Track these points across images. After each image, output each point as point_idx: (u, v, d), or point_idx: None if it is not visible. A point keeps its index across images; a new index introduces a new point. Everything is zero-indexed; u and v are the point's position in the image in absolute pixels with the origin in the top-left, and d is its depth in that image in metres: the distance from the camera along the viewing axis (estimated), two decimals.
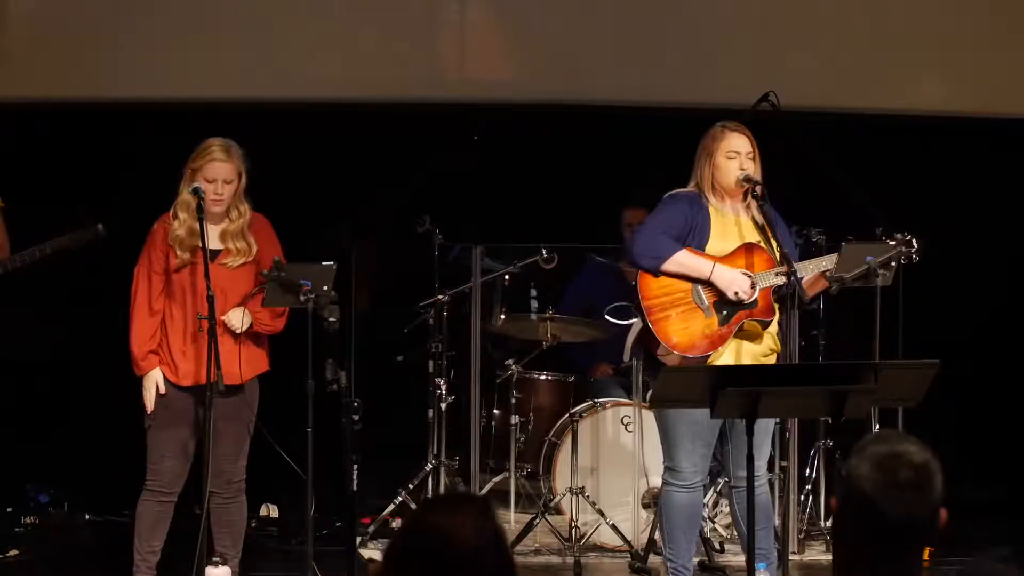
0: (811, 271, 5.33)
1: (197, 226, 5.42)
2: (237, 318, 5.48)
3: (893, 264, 5.33)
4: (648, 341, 5.40)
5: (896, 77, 7.82)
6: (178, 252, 5.45)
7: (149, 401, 5.48)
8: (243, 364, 5.48)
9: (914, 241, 5.37)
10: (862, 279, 5.29)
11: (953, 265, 7.57)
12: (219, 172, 5.44)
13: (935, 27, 7.84)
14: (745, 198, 5.39)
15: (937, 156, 7.84)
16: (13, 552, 6.72)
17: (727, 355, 5.32)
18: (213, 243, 5.49)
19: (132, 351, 5.50)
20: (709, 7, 7.82)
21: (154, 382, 5.47)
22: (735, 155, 5.35)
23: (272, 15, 7.64)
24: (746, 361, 5.30)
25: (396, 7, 7.78)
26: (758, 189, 5.30)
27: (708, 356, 5.29)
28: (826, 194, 7.00)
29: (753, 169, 5.36)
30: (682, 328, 5.31)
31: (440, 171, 7.50)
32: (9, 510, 7.27)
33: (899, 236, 5.40)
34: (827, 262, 5.36)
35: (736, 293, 5.26)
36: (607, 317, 7.03)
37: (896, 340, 6.71)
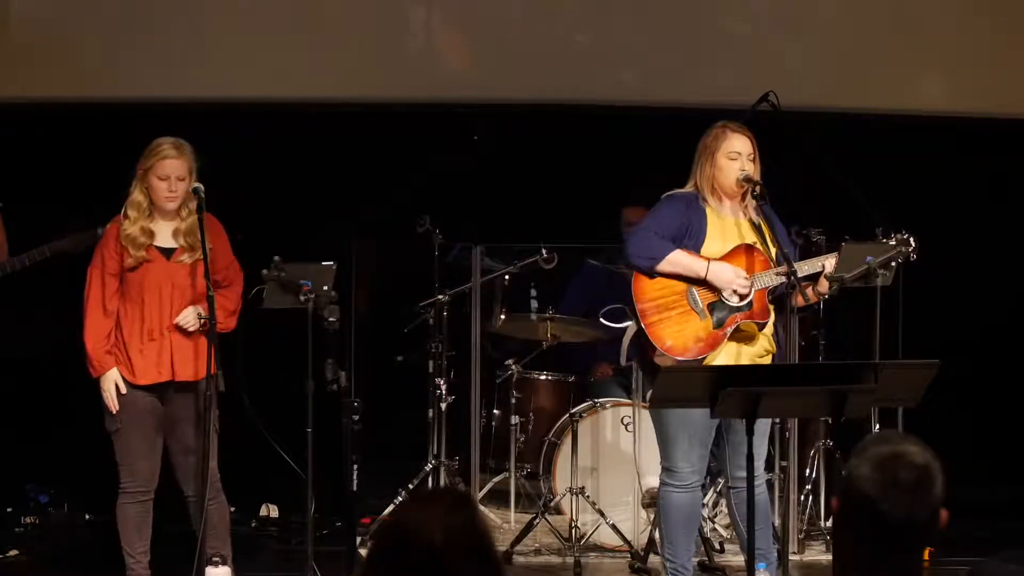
0: (807, 270, 5.32)
1: (150, 225, 5.48)
2: (191, 317, 5.49)
3: (893, 264, 5.33)
4: (644, 344, 5.40)
5: (896, 77, 7.82)
6: (132, 251, 5.47)
7: (111, 401, 5.48)
8: (199, 363, 5.49)
9: (911, 240, 5.37)
10: (862, 279, 5.29)
11: (953, 265, 7.57)
12: (171, 169, 5.47)
13: (935, 27, 7.84)
14: (743, 199, 5.39)
15: (937, 156, 7.84)
16: (13, 552, 6.72)
17: (723, 357, 5.32)
18: (166, 241, 5.53)
19: (88, 352, 5.52)
20: (709, 7, 7.82)
21: (112, 382, 5.48)
22: (736, 156, 5.34)
23: (272, 15, 7.64)
24: (742, 363, 5.30)
25: (396, 7, 7.78)
26: (759, 189, 5.29)
27: (702, 359, 5.29)
28: (826, 194, 7.00)
29: (753, 170, 5.36)
30: (677, 331, 5.31)
31: (440, 171, 7.50)
32: (9, 510, 7.27)
33: (897, 236, 5.40)
34: (822, 262, 5.34)
35: (734, 291, 5.26)
36: (602, 320, 7.03)
37: (896, 340, 6.71)
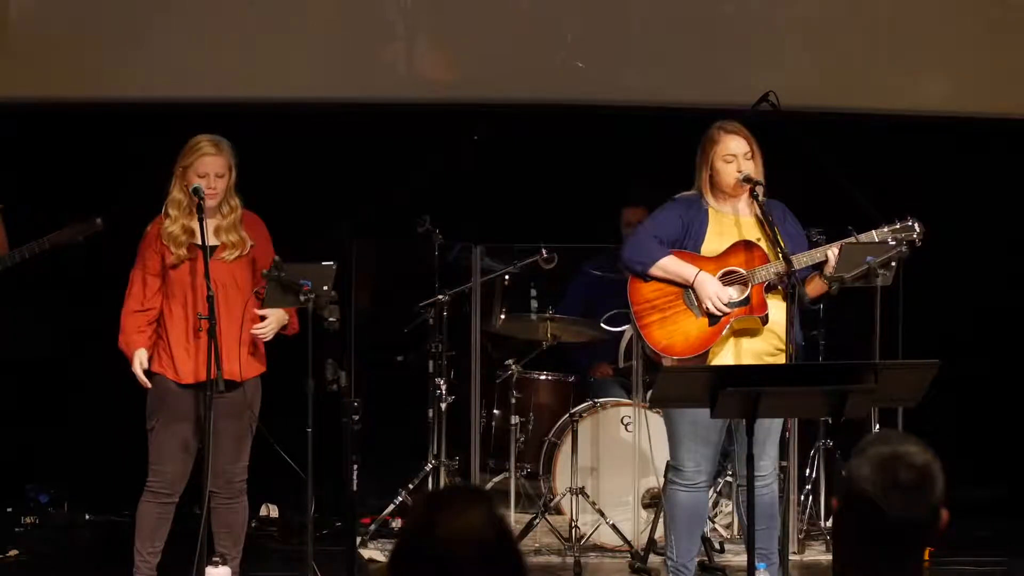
0: (805, 263, 5.32)
1: (191, 223, 5.46)
2: (276, 321, 5.48)
3: (893, 264, 5.33)
4: (644, 345, 5.45)
5: (896, 77, 7.82)
6: (173, 249, 5.46)
7: (141, 376, 5.43)
8: (243, 362, 5.48)
9: (917, 225, 5.37)
10: (862, 279, 5.29)
11: (953, 265, 7.57)
12: (210, 166, 5.46)
13: (935, 27, 7.83)
14: (749, 196, 5.39)
15: (937, 156, 7.84)
16: (13, 552, 6.72)
17: (726, 354, 5.32)
18: (209, 239, 5.48)
19: (121, 324, 5.47)
20: (709, 7, 7.82)
21: (138, 361, 5.44)
22: (732, 158, 5.35)
23: (272, 16, 7.64)
24: (746, 359, 5.30)
25: (398, 6, 7.78)
26: (758, 189, 5.29)
27: (702, 355, 5.29)
28: (826, 194, 6.99)
29: (752, 168, 5.36)
30: (671, 330, 5.34)
31: (440, 171, 7.50)
32: (9, 510, 7.27)
33: (903, 223, 5.39)
34: (820, 254, 5.35)
35: (707, 308, 5.28)
36: (602, 324, 7.03)
37: (896, 340, 6.71)
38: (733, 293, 5.32)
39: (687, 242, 5.38)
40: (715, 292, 5.29)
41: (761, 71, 7.43)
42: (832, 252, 5.31)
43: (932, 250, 5.49)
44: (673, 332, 5.34)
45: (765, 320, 5.33)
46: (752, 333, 5.35)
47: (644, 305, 5.37)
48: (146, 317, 5.50)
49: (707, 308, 5.30)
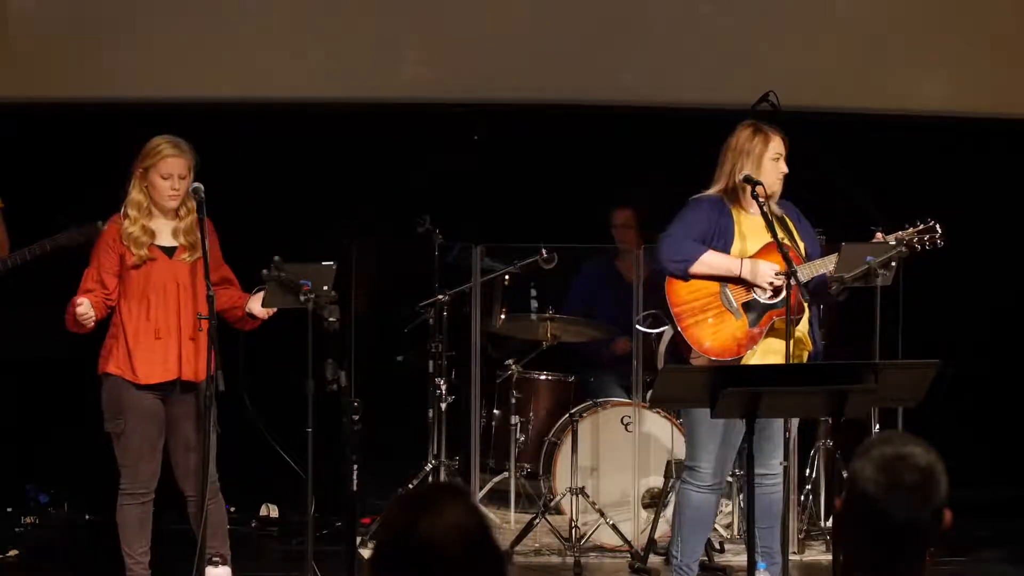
0: (807, 275, 5.32)
1: (150, 224, 5.48)
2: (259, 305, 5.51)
3: (893, 264, 5.33)
4: (681, 347, 5.40)
5: (896, 77, 7.82)
6: (134, 250, 5.46)
7: (80, 307, 5.38)
8: (199, 363, 5.47)
9: (937, 227, 5.38)
10: (862, 279, 5.29)
11: (952, 265, 7.56)
12: (174, 168, 5.47)
13: (936, 27, 7.84)
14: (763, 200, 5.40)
15: (937, 156, 7.84)
16: (13, 552, 6.72)
17: (759, 356, 5.31)
18: (167, 240, 5.51)
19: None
20: (710, 7, 7.82)
21: (84, 303, 5.39)
22: (779, 156, 5.38)
23: (272, 16, 7.64)
24: (776, 360, 5.29)
25: (397, 7, 7.78)
26: (759, 189, 5.29)
27: (740, 358, 5.29)
28: (826, 194, 7.00)
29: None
30: (713, 332, 5.32)
31: (440, 171, 7.50)
32: (9, 510, 7.27)
33: (924, 224, 5.41)
34: (822, 265, 5.36)
35: (771, 283, 5.27)
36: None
37: (896, 340, 6.71)
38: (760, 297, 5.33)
39: (716, 243, 5.36)
40: (770, 270, 5.28)
41: (761, 71, 7.43)
42: (832, 262, 5.33)
43: (932, 250, 5.49)
44: (715, 333, 5.32)
45: (797, 321, 5.32)
46: (782, 334, 5.34)
47: (684, 306, 5.35)
48: (97, 296, 5.47)
49: (768, 286, 5.27)
